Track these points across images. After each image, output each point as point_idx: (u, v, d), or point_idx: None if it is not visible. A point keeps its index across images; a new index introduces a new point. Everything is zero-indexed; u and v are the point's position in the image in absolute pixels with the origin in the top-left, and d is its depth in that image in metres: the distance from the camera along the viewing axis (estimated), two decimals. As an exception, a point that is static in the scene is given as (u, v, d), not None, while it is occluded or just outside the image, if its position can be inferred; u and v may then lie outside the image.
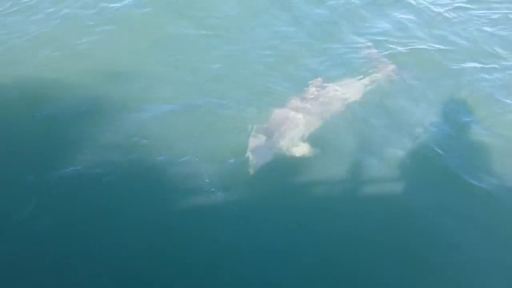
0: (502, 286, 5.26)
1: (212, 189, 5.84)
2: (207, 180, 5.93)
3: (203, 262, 5.28)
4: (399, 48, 8.09)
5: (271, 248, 5.40)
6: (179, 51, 8.15)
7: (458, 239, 5.54)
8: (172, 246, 5.37)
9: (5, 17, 9.06)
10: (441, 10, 8.97)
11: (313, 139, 6.51)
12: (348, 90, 7.19)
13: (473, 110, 6.99)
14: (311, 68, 7.72)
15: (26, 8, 9.21)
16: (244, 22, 8.73)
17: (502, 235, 5.62)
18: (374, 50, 8.09)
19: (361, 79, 7.41)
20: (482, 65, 7.79)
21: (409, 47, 8.12)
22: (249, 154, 6.15)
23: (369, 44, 8.23)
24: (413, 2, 9.10)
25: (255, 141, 6.35)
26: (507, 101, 7.09)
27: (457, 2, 9.10)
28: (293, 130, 6.53)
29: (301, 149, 6.34)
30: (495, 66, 7.80)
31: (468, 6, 9.04)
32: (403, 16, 8.86)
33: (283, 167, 6.21)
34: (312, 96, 7.01)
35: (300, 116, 6.70)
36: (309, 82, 7.28)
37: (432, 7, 9.03)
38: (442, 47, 8.16)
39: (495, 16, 8.81)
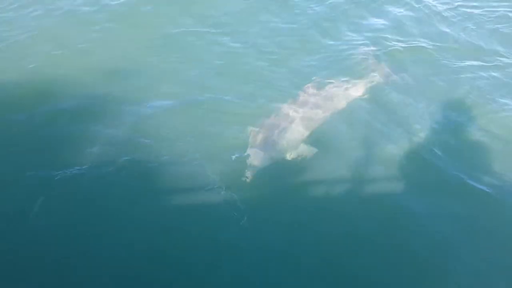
0: (502, 287, 5.15)
1: (213, 189, 5.72)
2: (207, 180, 5.82)
3: (203, 262, 5.17)
4: (398, 47, 7.98)
5: (271, 248, 5.29)
6: (180, 48, 8.04)
7: (457, 239, 5.43)
8: (172, 246, 5.26)
9: (6, 13, 8.95)
10: (439, 8, 8.86)
11: (312, 140, 6.39)
12: (347, 90, 7.07)
13: (471, 110, 6.88)
14: (310, 66, 7.63)
15: (27, 4, 9.09)
16: (245, 19, 8.62)
17: (501, 235, 5.51)
18: (373, 48, 7.98)
19: (359, 78, 7.29)
20: (480, 63, 7.69)
21: (407, 45, 8.01)
22: (248, 156, 6.03)
23: (368, 42, 8.12)
24: (412, 1, 8.97)
25: (254, 143, 6.23)
26: (505, 100, 6.98)
27: (456, 1, 8.98)
28: (292, 130, 6.40)
29: (300, 150, 6.22)
30: (494, 64, 7.70)
31: (467, 4, 8.94)
32: (402, 14, 8.76)
33: (282, 168, 6.09)
34: (310, 96, 6.89)
35: (298, 116, 6.57)
36: (307, 82, 7.17)
37: (430, 5, 8.92)
38: (440, 45, 8.05)
39: (494, 14, 8.70)
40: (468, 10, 8.80)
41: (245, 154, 6.10)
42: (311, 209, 5.66)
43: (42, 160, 6.17)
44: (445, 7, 8.87)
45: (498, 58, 7.80)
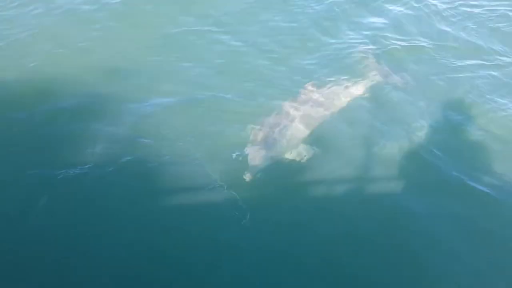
0: (502, 287, 5.12)
1: (213, 189, 5.66)
2: (208, 179, 5.75)
3: (203, 262, 5.12)
4: (398, 46, 7.92)
5: (271, 248, 5.24)
6: (180, 47, 7.97)
7: (457, 239, 5.39)
8: (172, 246, 5.21)
9: (7, 11, 8.84)
10: (439, 7, 8.80)
11: (313, 139, 6.34)
12: (347, 89, 7.02)
13: (471, 109, 6.83)
14: (311, 64, 7.58)
15: (27, 2, 8.99)
16: (245, 18, 8.55)
17: (501, 235, 5.46)
18: (372, 47, 7.92)
19: (359, 77, 7.23)
20: (480, 63, 7.64)
21: (407, 44, 7.96)
22: (248, 155, 5.97)
23: (368, 41, 8.07)
24: (412, 0, 8.92)
25: (254, 141, 6.18)
26: (505, 100, 6.94)
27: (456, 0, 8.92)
28: (292, 129, 6.34)
29: (301, 149, 6.17)
30: (494, 63, 7.65)
31: (467, 2, 8.87)
32: (402, 13, 8.70)
33: (282, 167, 6.03)
34: (310, 95, 6.84)
35: (299, 115, 6.51)
36: (307, 80, 7.11)
37: (430, 4, 8.86)
38: (440, 44, 8.00)
39: (494, 13, 8.64)
40: (468, 9, 8.73)
41: (246, 153, 6.04)
42: (311, 209, 5.61)
43: (42, 159, 6.10)
44: (445, 6, 8.79)
45: (498, 57, 7.75)
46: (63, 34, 8.17)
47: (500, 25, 8.35)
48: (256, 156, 5.94)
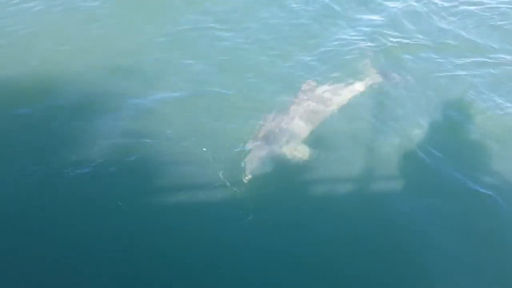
0: (501, 287, 5.04)
1: (213, 188, 5.58)
2: (208, 179, 5.68)
3: (203, 262, 5.03)
4: (398, 44, 7.85)
5: (271, 248, 5.16)
6: (182, 43, 7.86)
7: (456, 240, 5.31)
8: (172, 246, 5.12)
9: (8, 8, 8.69)
10: (439, 5, 8.71)
11: (311, 140, 6.25)
12: (346, 87, 6.94)
13: (470, 108, 6.75)
14: (312, 61, 7.53)
15: (29, -1, 8.86)
16: (247, 16, 8.45)
17: (500, 235, 5.39)
18: (372, 45, 7.84)
19: (359, 75, 7.17)
20: (479, 61, 7.56)
21: (407, 43, 7.88)
22: (248, 154, 5.88)
23: (368, 39, 7.97)
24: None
25: (255, 140, 6.10)
26: (504, 99, 6.86)
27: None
28: (291, 131, 6.24)
29: (301, 149, 6.08)
30: (493, 61, 7.58)
31: (467, 0, 8.74)
32: (402, 11, 8.61)
33: (282, 167, 5.93)
34: (309, 95, 6.74)
35: (299, 114, 6.43)
36: (308, 77, 7.04)
37: (430, 2, 8.76)
38: (440, 42, 7.93)
39: (494, 11, 8.55)
40: (468, 7, 8.63)
41: (246, 153, 5.95)
42: (311, 209, 5.52)
43: (43, 158, 5.99)
44: (445, 4, 8.70)
45: (498, 55, 7.67)
46: (64, 31, 8.06)
47: (500, 23, 8.25)
48: (256, 156, 5.86)
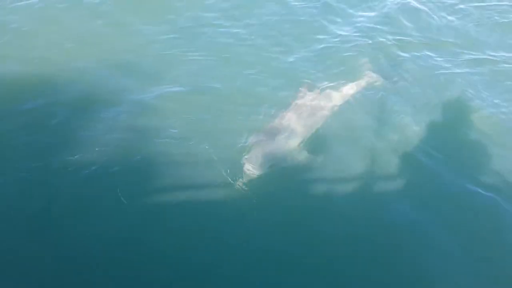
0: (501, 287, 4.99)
1: (213, 188, 5.48)
2: (208, 179, 5.57)
3: (203, 262, 4.94)
4: (395, 42, 7.72)
5: (271, 248, 5.07)
6: (185, 38, 7.70)
7: (455, 241, 5.24)
8: (172, 246, 5.02)
9: (12, 3, 8.48)
10: (438, 4, 8.55)
11: (311, 140, 6.12)
12: (343, 88, 6.79)
13: (468, 108, 6.65)
14: (310, 58, 7.39)
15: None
16: (250, 11, 8.29)
17: (499, 236, 5.33)
18: (369, 42, 7.74)
19: (355, 75, 7.01)
20: (478, 59, 7.45)
21: (404, 41, 7.76)
22: (246, 158, 5.75)
23: (365, 37, 7.86)
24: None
25: (254, 143, 5.96)
26: (503, 98, 6.77)
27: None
28: (290, 131, 6.11)
29: (298, 154, 5.94)
30: (492, 59, 7.47)
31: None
32: (399, 8, 8.46)
33: (281, 169, 5.80)
34: (307, 96, 6.60)
35: (296, 117, 6.27)
36: (304, 80, 6.90)
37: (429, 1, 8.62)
38: (437, 40, 7.81)
39: (494, 9, 8.41)
40: (468, 5, 8.47)
41: (247, 150, 5.85)
42: (311, 209, 5.42)
43: (43, 155, 5.85)
44: (444, 1, 8.54)
45: (496, 53, 7.58)
46: (66, 28, 7.85)
47: (500, 20, 8.12)
48: (256, 156, 5.74)
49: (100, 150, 5.88)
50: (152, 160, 5.81)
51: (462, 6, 8.44)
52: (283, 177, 5.69)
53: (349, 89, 6.78)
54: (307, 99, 6.56)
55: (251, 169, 5.60)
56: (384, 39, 7.79)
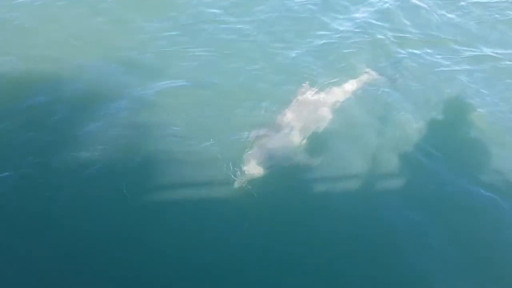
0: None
1: (213, 188, 5.37)
2: (208, 179, 5.46)
3: (203, 262, 4.83)
4: (394, 40, 7.65)
5: (271, 248, 4.96)
6: (188, 33, 7.64)
7: (455, 241, 5.14)
8: (172, 246, 4.92)
9: (13, 0, 8.36)
10: (437, 1, 8.47)
11: (310, 142, 5.99)
12: (342, 87, 6.68)
13: (467, 106, 6.56)
14: (307, 58, 7.29)
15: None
16: (254, 5, 8.24)
17: (499, 237, 5.23)
18: (368, 40, 7.67)
19: (354, 74, 6.93)
20: (477, 56, 7.38)
21: (403, 38, 7.70)
22: (246, 157, 5.65)
23: (364, 35, 7.78)
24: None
25: (254, 140, 5.87)
26: (502, 97, 6.68)
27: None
28: (289, 133, 6.01)
29: (298, 153, 5.84)
30: (492, 56, 7.39)
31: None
32: (398, 5, 8.40)
33: (282, 169, 5.69)
34: (306, 97, 6.49)
35: (295, 118, 6.16)
36: (303, 81, 6.78)
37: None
38: (437, 37, 7.75)
39: (492, 5, 8.34)
40: (468, 2, 8.41)
41: (247, 149, 5.76)
42: (311, 209, 5.33)
43: (43, 154, 5.73)
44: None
45: (496, 50, 7.49)
46: (67, 25, 7.74)
47: (500, 18, 8.06)
48: (256, 155, 5.66)
49: (101, 148, 5.78)
50: (153, 159, 5.71)
51: (463, 3, 8.38)
52: (283, 177, 5.58)
53: (350, 86, 6.69)
54: (308, 96, 6.47)
55: (252, 168, 5.50)
56: (384, 36, 7.71)
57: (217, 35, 7.64)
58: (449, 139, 6.15)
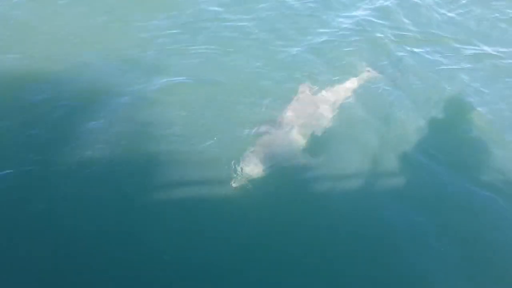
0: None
1: (213, 188, 5.32)
2: (209, 178, 5.41)
3: (203, 262, 4.78)
4: (393, 38, 7.62)
5: (271, 248, 4.90)
6: (191, 30, 7.59)
7: (455, 241, 5.08)
8: (172, 246, 4.86)
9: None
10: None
11: (310, 141, 5.93)
12: (342, 86, 6.62)
13: (467, 106, 6.51)
14: (307, 56, 7.25)
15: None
16: (254, 5, 8.20)
17: (499, 238, 5.16)
18: (367, 38, 7.62)
19: (352, 72, 6.87)
20: (477, 54, 7.35)
21: (402, 36, 7.67)
22: (245, 160, 5.57)
23: (363, 33, 7.75)
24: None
25: (255, 138, 5.82)
26: (501, 96, 6.63)
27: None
28: (289, 132, 5.94)
29: (298, 153, 5.78)
30: (492, 54, 7.35)
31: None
32: (397, 3, 8.35)
33: (282, 169, 5.62)
34: (306, 96, 6.43)
35: (294, 120, 6.08)
36: (303, 80, 6.74)
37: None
38: (436, 35, 7.72)
39: (492, 3, 8.34)
40: (468, 1, 8.37)
41: (247, 148, 5.69)
42: (311, 209, 5.25)
43: (43, 153, 5.66)
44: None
45: (498, 49, 7.45)
46: (68, 22, 7.65)
47: (501, 16, 8.01)
48: (256, 154, 5.59)
49: (101, 147, 5.70)
50: (153, 158, 5.64)
51: (463, 1, 8.34)
52: (283, 177, 5.52)
53: (350, 84, 6.64)
54: (309, 94, 6.42)
55: (252, 168, 5.44)
56: (385, 34, 7.67)
57: (218, 33, 7.59)
58: (450, 138, 6.09)
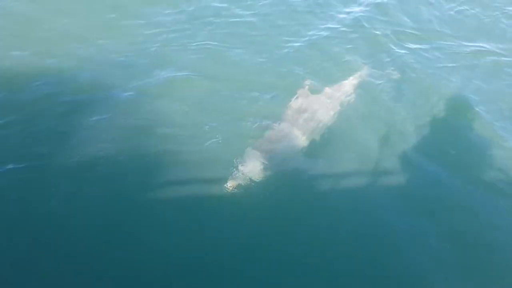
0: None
1: (214, 187, 5.21)
2: (209, 178, 5.31)
3: (203, 262, 4.70)
4: (395, 35, 7.58)
5: (271, 248, 4.84)
6: (193, 26, 7.52)
7: (455, 242, 5.02)
8: (172, 246, 4.77)
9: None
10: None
11: (310, 142, 5.84)
12: (340, 85, 6.53)
13: (465, 104, 6.49)
14: (306, 55, 7.20)
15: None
16: (260, 1, 8.17)
17: (499, 239, 5.11)
18: (368, 37, 7.55)
19: (351, 72, 6.78)
20: (477, 51, 7.27)
21: (404, 34, 7.61)
22: (245, 160, 5.47)
23: (363, 32, 7.69)
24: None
25: (253, 145, 5.67)
26: (498, 95, 6.58)
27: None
28: (289, 132, 5.84)
29: (298, 153, 5.69)
30: (491, 51, 7.27)
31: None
32: (400, 1, 8.30)
33: (282, 169, 5.55)
34: (305, 97, 6.32)
35: (294, 120, 5.98)
36: (304, 78, 6.66)
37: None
38: (436, 32, 7.68)
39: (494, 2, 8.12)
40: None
41: (247, 147, 5.60)
42: (311, 209, 5.19)
43: (43, 151, 5.56)
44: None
45: (498, 46, 7.41)
46: (68, 18, 7.54)
47: (500, 14, 7.89)
48: (256, 154, 5.50)
49: (103, 146, 5.63)
50: (154, 158, 5.57)
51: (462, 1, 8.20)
52: (283, 177, 5.44)
53: (350, 82, 6.58)
54: (309, 92, 6.35)
55: (252, 168, 5.35)
56: (384, 31, 7.63)
57: (220, 29, 7.52)
58: (449, 138, 6.03)
